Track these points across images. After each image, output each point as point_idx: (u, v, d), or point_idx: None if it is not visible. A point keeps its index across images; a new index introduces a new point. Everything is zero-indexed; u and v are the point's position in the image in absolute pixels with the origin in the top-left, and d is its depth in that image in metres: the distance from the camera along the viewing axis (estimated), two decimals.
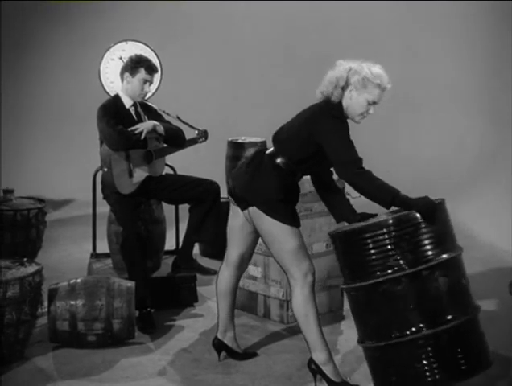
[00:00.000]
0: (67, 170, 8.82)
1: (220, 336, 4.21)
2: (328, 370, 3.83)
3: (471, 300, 3.60)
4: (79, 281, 4.44)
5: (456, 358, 3.46)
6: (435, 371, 3.44)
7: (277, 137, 3.88)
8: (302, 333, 3.86)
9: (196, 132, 5.21)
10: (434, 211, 3.50)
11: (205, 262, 5.48)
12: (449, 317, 3.46)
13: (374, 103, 3.78)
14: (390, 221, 3.48)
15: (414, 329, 3.44)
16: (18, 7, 8.75)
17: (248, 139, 6.31)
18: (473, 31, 9.07)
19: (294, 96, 9.14)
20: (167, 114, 5.15)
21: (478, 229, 7.15)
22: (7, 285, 3.99)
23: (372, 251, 3.50)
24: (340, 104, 3.77)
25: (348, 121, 3.82)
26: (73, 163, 8.78)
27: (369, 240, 3.50)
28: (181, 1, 9.08)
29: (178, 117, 5.14)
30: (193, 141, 5.22)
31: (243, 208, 3.86)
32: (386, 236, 3.47)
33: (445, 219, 3.61)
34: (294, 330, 4.68)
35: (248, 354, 4.32)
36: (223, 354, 4.24)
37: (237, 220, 3.98)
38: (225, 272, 4.14)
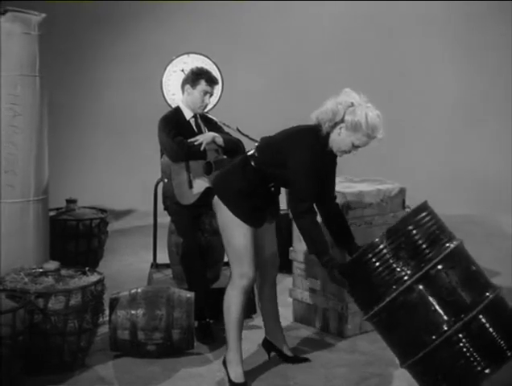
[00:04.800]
0: (129, 181, 8.93)
1: (269, 338, 4.33)
2: (230, 368, 3.99)
3: (487, 282, 3.60)
4: (139, 290, 4.48)
5: (496, 339, 3.44)
6: (480, 359, 3.41)
7: (261, 141, 4.05)
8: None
9: (256, 144, 5.21)
10: (338, 281, 3.71)
11: None
12: (471, 304, 3.45)
13: (359, 147, 3.84)
14: (381, 238, 3.55)
15: (443, 328, 3.43)
16: (80, 20, 8.92)
17: None
18: None
19: None
20: (227, 126, 5.17)
21: None
22: (70, 293, 4.05)
23: (376, 272, 3.54)
24: (327, 136, 3.83)
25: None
26: (135, 174, 8.89)
27: (369, 264, 3.56)
28: (244, 8, 9.13)
29: (238, 129, 5.16)
30: None
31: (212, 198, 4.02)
32: (383, 253, 3.53)
33: (433, 219, 3.63)
34: (352, 344, 4.65)
35: (299, 358, 4.36)
36: (272, 354, 4.34)
37: None
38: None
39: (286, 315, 5.07)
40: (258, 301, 4.33)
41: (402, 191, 4.99)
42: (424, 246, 3.53)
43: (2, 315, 3.61)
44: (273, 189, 3.97)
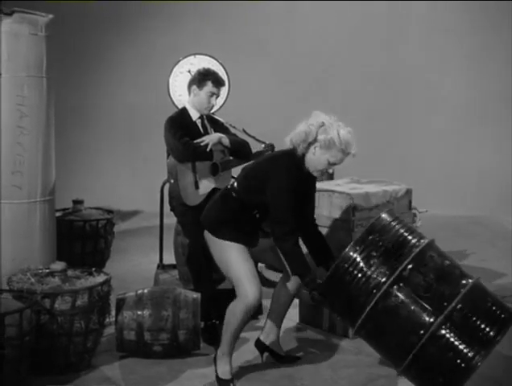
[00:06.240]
0: (135, 182, 8.94)
1: (262, 338, 4.38)
2: (219, 364, 4.04)
3: (463, 273, 3.66)
4: (146, 291, 4.48)
5: (480, 325, 3.49)
6: (469, 348, 3.46)
7: (240, 172, 4.12)
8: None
9: (263, 145, 5.23)
10: (319, 301, 3.86)
11: (270, 275, 5.49)
12: (449, 297, 3.51)
13: (335, 164, 3.94)
14: (351, 249, 3.64)
15: (426, 325, 3.49)
16: (87, 21, 8.93)
17: None
18: None
19: (365, 109, 9.13)
20: (234, 127, 5.18)
21: None
22: (76, 294, 4.06)
23: (353, 283, 3.62)
24: (302, 157, 3.94)
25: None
26: (141, 175, 8.91)
27: (344, 277, 3.64)
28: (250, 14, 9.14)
29: (244, 130, 5.17)
30: (259, 154, 5.23)
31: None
32: (355, 264, 3.62)
33: (399, 223, 3.74)
34: (359, 345, 4.64)
35: (290, 357, 4.42)
36: (265, 354, 4.39)
37: None
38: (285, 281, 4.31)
39: (292, 316, 5.07)
40: (274, 295, 4.35)
41: (408, 192, 4.98)
42: (394, 250, 3.62)
43: (8, 315, 3.61)
44: (258, 215, 4.02)
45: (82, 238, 5.95)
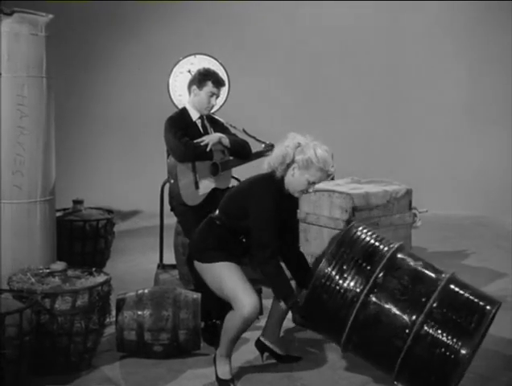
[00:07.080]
0: (135, 182, 8.94)
1: (262, 338, 4.38)
2: (219, 365, 4.05)
3: (437, 270, 3.71)
4: (146, 291, 4.48)
5: (460, 316, 3.52)
6: (454, 341, 3.47)
7: (222, 199, 4.13)
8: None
9: (263, 145, 5.23)
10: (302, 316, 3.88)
11: None
12: (426, 295, 3.54)
13: (314, 183, 3.94)
14: (324, 265, 3.67)
15: (408, 327, 3.51)
16: (86, 21, 8.93)
17: None
18: None
19: (365, 109, 9.13)
20: (234, 127, 5.18)
21: None
22: (77, 294, 4.06)
23: (331, 300, 3.65)
24: (282, 179, 3.96)
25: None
26: (141, 175, 8.90)
27: (322, 295, 3.68)
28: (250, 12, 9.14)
29: (244, 130, 5.17)
30: (260, 154, 5.23)
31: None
32: (330, 280, 3.65)
33: (367, 233, 3.80)
34: None
35: (290, 357, 4.41)
36: (266, 354, 4.38)
37: None
38: None
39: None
40: (273, 299, 4.32)
41: (408, 192, 4.99)
42: (365, 260, 3.66)
43: (8, 315, 3.61)
44: (244, 240, 4.03)
45: (82, 238, 5.95)
